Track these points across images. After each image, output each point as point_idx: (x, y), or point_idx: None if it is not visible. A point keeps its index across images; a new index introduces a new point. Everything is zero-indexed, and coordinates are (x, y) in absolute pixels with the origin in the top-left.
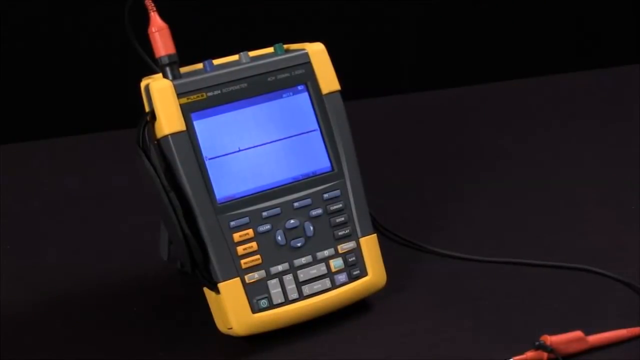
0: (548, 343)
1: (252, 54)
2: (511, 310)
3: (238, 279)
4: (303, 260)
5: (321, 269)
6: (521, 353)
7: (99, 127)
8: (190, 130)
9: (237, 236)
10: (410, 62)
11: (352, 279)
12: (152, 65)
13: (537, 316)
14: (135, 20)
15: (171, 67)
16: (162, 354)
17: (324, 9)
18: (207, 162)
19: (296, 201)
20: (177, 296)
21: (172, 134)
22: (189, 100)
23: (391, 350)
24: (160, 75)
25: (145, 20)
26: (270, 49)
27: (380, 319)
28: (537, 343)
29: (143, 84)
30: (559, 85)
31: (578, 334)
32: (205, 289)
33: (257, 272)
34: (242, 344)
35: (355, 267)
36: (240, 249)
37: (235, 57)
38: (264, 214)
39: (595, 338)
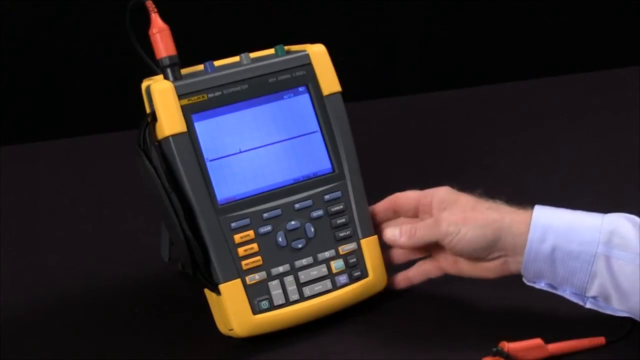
0: (506, 349)
1: (253, 55)
2: (512, 311)
3: (239, 280)
4: (304, 261)
5: (322, 270)
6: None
7: (100, 128)
8: (191, 132)
9: (237, 237)
10: (411, 63)
11: (353, 280)
12: (153, 67)
13: (539, 317)
14: (136, 21)
15: (172, 69)
16: (162, 355)
17: (325, 10)
18: (208, 164)
19: (297, 202)
20: (178, 297)
21: (173, 135)
22: (190, 102)
23: (392, 352)
24: (161, 76)
25: (146, 22)
26: (271, 50)
27: (380, 321)
28: (494, 349)
29: (144, 85)
30: (559, 87)
31: (537, 341)
32: (206, 290)
33: (258, 274)
34: (243, 345)
35: (356, 268)
36: (241, 250)
37: (236, 59)
38: (265, 215)
39: (556, 347)
